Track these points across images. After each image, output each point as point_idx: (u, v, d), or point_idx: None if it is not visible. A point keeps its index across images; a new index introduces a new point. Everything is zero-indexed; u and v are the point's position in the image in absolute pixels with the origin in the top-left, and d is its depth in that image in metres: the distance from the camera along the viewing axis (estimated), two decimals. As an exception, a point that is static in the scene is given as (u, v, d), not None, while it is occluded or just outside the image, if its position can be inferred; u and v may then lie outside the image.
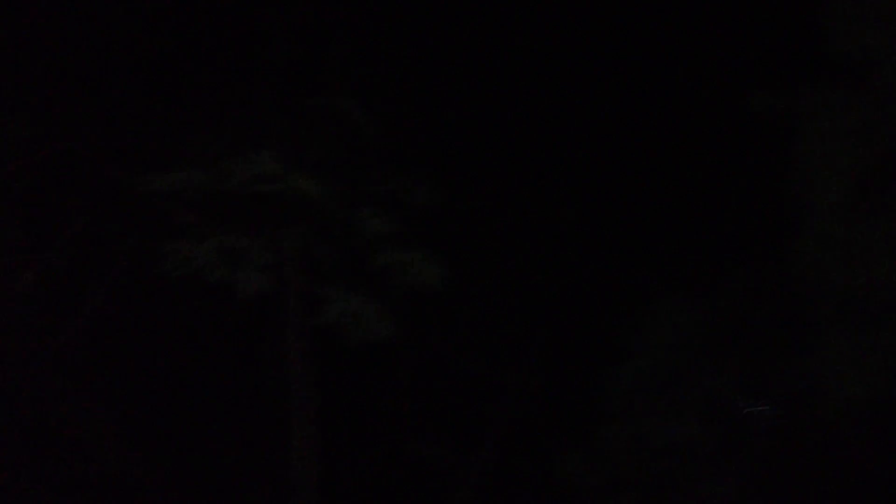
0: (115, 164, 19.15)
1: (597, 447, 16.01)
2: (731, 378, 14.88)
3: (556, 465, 17.28)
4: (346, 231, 17.95)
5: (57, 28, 18.47)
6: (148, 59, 18.60)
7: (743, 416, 14.83)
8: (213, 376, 22.43)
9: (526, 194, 20.08)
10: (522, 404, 21.66)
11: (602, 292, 19.61)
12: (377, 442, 22.19)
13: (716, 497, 15.05)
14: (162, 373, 22.75)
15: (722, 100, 17.99)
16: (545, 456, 18.38)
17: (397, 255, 17.82)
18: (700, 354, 15.08)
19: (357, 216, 17.52)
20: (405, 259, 17.80)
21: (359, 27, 19.05)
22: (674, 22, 19.20)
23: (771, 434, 14.71)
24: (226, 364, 22.59)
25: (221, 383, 22.52)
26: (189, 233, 18.31)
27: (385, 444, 22.32)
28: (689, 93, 19.30)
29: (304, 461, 18.18)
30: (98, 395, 21.90)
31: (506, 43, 19.74)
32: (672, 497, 15.36)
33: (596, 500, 16.32)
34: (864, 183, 13.28)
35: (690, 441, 14.91)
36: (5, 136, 19.16)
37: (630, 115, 19.66)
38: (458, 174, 19.53)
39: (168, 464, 22.24)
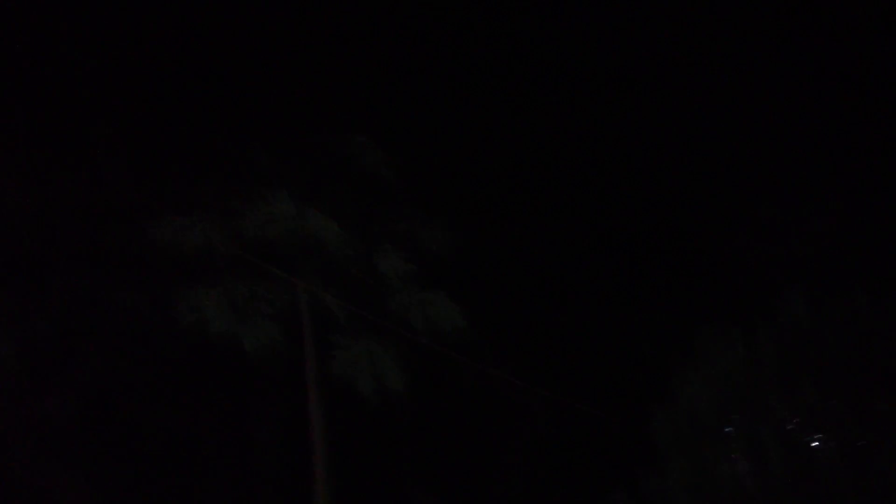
0: (113, 215, 18.47)
1: (650, 490, 15.22)
2: (791, 411, 14.26)
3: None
4: (362, 273, 17.26)
5: (59, 62, 17.85)
6: (150, 100, 17.94)
7: (807, 449, 14.17)
8: (213, 438, 21.56)
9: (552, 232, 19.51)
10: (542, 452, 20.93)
11: (641, 329, 19.06)
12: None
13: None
14: (155, 442, 21.82)
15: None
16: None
17: (415, 295, 17.12)
18: (756, 387, 14.50)
19: (374, 257, 16.75)
20: (424, 299, 17.09)
21: (375, 68, 18.68)
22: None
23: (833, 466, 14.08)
24: (227, 427, 21.72)
25: (220, 445, 21.65)
26: (196, 281, 17.57)
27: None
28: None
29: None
30: (83, 466, 20.94)
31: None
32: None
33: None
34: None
35: (752, 477, 14.25)
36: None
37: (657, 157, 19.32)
38: (477, 217, 19.02)
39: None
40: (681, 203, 19.16)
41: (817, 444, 14.16)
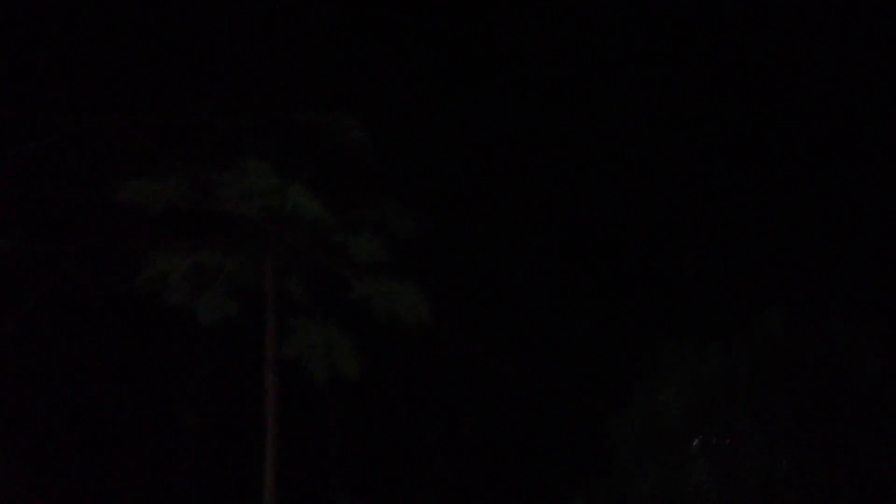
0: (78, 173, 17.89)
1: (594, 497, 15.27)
2: (761, 426, 14.38)
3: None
4: (333, 257, 16.94)
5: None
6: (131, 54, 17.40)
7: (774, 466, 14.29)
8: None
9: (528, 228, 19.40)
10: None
11: (604, 336, 19.08)
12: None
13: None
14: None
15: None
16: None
17: (385, 285, 16.82)
18: (727, 401, 14.59)
19: (350, 241, 16.42)
20: (393, 290, 16.81)
21: (362, 44, 18.39)
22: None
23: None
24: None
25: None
26: (158, 249, 17.08)
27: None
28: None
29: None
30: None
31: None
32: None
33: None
34: None
35: (717, 491, 14.33)
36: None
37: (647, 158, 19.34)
38: (453, 210, 18.84)
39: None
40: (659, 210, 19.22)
41: (785, 462, 14.27)
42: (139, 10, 17.23)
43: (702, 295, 18.43)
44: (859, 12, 18.38)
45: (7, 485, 20.06)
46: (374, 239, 16.75)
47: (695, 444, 14.70)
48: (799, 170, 18.45)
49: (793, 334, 14.84)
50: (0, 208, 18.87)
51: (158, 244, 16.66)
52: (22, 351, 20.22)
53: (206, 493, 21.45)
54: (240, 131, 17.13)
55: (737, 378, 14.80)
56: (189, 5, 17.04)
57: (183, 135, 16.87)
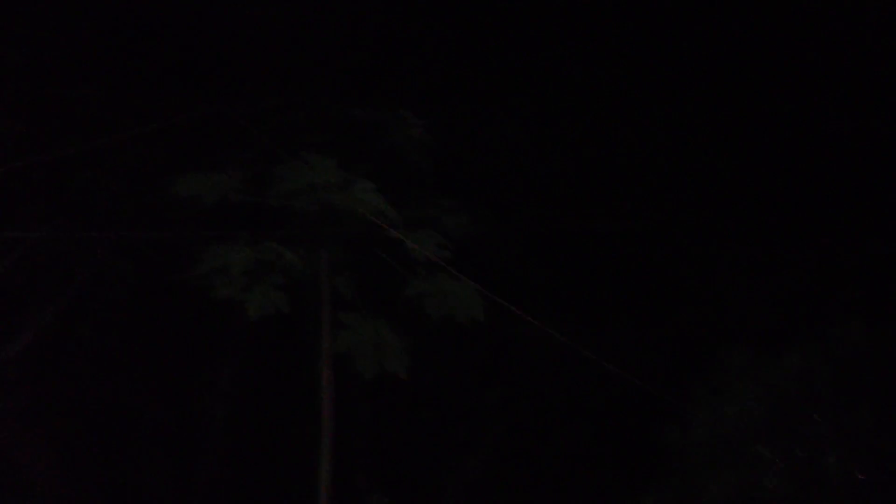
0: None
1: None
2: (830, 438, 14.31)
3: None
4: (391, 254, 16.94)
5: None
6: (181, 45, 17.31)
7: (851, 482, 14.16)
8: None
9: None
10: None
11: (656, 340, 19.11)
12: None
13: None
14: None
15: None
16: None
17: (442, 283, 16.83)
18: (796, 411, 14.53)
19: (411, 238, 16.42)
20: (450, 288, 16.82)
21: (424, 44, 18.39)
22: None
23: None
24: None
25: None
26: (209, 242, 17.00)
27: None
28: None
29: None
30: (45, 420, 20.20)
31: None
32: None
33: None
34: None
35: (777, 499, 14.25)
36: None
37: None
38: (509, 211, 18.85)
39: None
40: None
41: (867, 474, 14.18)
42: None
43: (764, 301, 18.43)
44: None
45: (40, 479, 19.99)
46: (435, 235, 16.77)
47: (771, 452, 14.53)
48: (877, 175, 18.42)
49: (875, 343, 14.75)
50: (39, 199, 18.80)
51: (213, 237, 16.52)
52: (57, 344, 20.13)
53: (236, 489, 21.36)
54: (298, 125, 17.10)
55: (817, 386, 14.71)
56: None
57: (241, 128, 16.73)
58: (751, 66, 19.33)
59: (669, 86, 19.75)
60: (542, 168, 19.60)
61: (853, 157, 18.84)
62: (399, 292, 17.11)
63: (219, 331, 20.05)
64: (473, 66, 19.10)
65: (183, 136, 17.25)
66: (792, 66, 19.07)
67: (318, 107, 17.35)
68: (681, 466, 15.23)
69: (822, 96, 19.03)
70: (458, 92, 18.93)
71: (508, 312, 17.00)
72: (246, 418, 20.82)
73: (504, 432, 21.21)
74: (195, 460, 21.49)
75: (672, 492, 15.08)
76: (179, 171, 16.74)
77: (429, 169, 17.46)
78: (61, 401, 20.47)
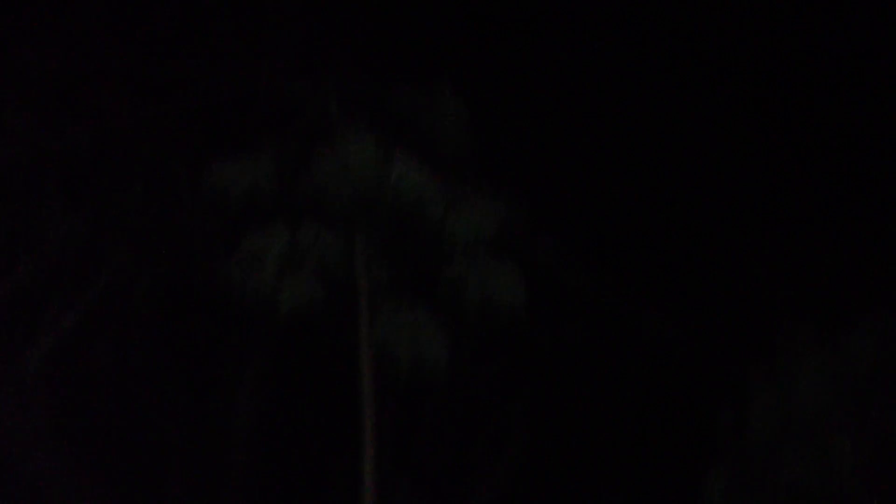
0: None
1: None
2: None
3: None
4: (431, 236, 16.41)
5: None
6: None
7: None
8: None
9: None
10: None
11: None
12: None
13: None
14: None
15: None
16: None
17: (483, 263, 16.29)
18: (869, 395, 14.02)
19: (451, 217, 15.90)
20: (492, 269, 16.28)
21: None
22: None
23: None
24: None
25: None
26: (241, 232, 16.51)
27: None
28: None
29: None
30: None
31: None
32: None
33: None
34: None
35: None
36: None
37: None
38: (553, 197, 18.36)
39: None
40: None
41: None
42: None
43: (825, 282, 17.85)
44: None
45: (59, 487, 19.45)
46: (476, 217, 16.27)
47: (840, 435, 14.01)
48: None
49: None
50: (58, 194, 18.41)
51: (246, 226, 16.06)
52: (78, 347, 19.64)
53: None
54: (333, 106, 16.66)
55: (886, 368, 14.22)
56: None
57: (274, 111, 16.30)
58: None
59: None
60: (581, 152, 19.07)
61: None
62: (438, 277, 16.54)
63: (249, 327, 19.45)
64: (517, 48, 18.63)
65: (212, 122, 16.74)
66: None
67: (356, 86, 16.84)
68: (743, 450, 14.65)
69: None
70: (499, 73, 18.39)
71: (548, 302, 16.52)
72: (276, 421, 20.22)
73: (540, 427, 20.60)
74: (222, 468, 20.90)
75: (738, 477, 14.49)
76: (208, 159, 16.26)
77: (468, 151, 16.94)
78: (83, 407, 19.92)
